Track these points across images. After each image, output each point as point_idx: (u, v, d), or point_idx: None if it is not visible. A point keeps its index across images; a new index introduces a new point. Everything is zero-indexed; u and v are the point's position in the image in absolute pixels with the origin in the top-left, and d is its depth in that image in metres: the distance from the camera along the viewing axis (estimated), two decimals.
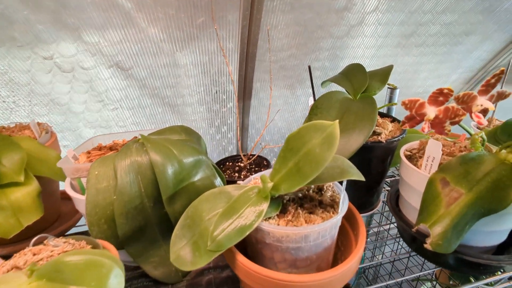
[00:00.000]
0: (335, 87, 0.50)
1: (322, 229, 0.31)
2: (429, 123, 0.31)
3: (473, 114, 0.30)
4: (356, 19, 0.58)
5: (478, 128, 0.83)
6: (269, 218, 0.34)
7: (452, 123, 0.31)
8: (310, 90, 0.64)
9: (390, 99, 0.79)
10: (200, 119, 0.71)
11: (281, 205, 0.35)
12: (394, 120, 0.61)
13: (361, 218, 0.39)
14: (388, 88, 0.78)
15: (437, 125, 0.31)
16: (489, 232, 0.44)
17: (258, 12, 0.48)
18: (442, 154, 0.52)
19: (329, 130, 0.27)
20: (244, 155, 0.59)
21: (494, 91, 0.29)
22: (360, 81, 0.57)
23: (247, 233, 0.30)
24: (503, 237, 0.45)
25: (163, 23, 0.49)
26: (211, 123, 0.73)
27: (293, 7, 0.51)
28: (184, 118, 0.70)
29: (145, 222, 0.42)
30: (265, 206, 0.31)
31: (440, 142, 0.46)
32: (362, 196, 0.60)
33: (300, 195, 0.37)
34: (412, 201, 0.51)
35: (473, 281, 0.49)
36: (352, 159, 0.54)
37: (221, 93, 0.65)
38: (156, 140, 0.44)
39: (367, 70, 0.62)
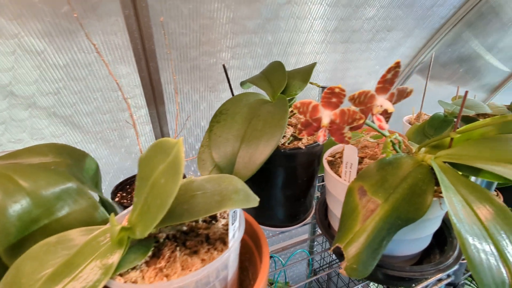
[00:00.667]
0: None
1: (199, 278, 0.24)
2: (325, 130, 0.25)
3: (374, 117, 0.24)
4: (270, 12, 0.52)
5: (409, 124, 0.85)
6: (133, 269, 0.25)
7: (352, 129, 0.26)
8: (239, 90, 0.56)
9: None
10: (106, 130, 0.60)
11: (153, 247, 0.27)
12: None
13: (264, 238, 0.33)
14: (320, 87, 0.75)
15: (336, 131, 0.25)
16: (412, 240, 0.40)
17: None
18: (365, 157, 0.49)
19: (174, 152, 0.19)
20: None
21: (394, 89, 0.24)
22: (279, 80, 0.52)
23: None
24: (426, 243, 0.43)
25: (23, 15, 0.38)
26: (122, 134, 0.62)
27: None
28: (84, 130, 0.58)
29: None
30: (116, 257, 0.22)
31: (354, 147, 0.42)
32: (290, 207, 0.54)
33: (185, 228, 0.29)
34: (337, 213, 0.46)
35: None
36: (271, 170, 0.48)
37: (127, 98, 0.55)
38: None
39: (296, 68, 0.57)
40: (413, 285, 0.47)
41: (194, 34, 0.49)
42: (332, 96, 0.23)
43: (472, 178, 0.43)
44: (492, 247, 0.28)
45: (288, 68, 0.49)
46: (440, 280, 0.50)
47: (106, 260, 0.22)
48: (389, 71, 0.23)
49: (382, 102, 0.24)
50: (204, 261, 0.25)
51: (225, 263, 0.26)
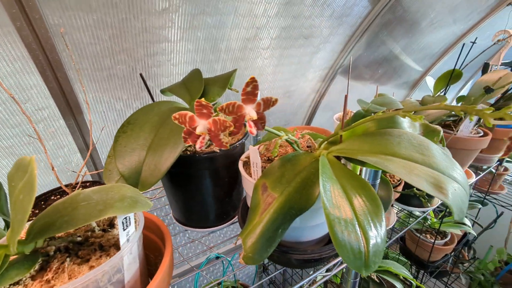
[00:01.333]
0: None
1: (84, 282, 0.25)
2: (203, 137, 0.28)
3: (247, 124, 0.28)
4: (183, 21, 0.55)
5: (339, 121, 0.93)
6: (16, 283, 0.25)
7: (231, 134, 0.29)
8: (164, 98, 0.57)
9: None
10: (18, 144, 0.56)
11: (43, 259, 0.27)
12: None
13: (168, 234, 0.35)
14: (238, 92, 0.79)
15: (214, 138, 0.28)
16: (313, 226, 0.46)
17: (32, 10, 0.38)
18: (278, 156, 0.54)
19: (29, 170, 0.21)
20: (67, 186, 0.48)
21: (259, 99, 0.28)
22: (196, 87, 0.54)
23: None
24: (327, 228, 0.49)
25: None
26: (38, 148, 0.59)
27: (91, 7, 0.43)
28: None
29: None
30: None
31: (255, 148, 0.46)
32: (217, 208, 0.57)
33: (79, 238, 0.30)
34: None
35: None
36: (193, 174, 0.51)
37: (38, 109, 0.52)
38: None
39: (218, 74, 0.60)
40: (321, 265, 0.53)
41: (105, 44, 0.49)
42: (202, 107, 0.26)
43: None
44: (357, 228, 0.34)
45: (215, 74, 0.51)
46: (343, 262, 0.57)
47: None
48: (247, 85, 0.26)
49: (249, 111, 0.28)
50: (92, 267, 0.26)
51: (117, 267, 0.28)
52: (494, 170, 1.36)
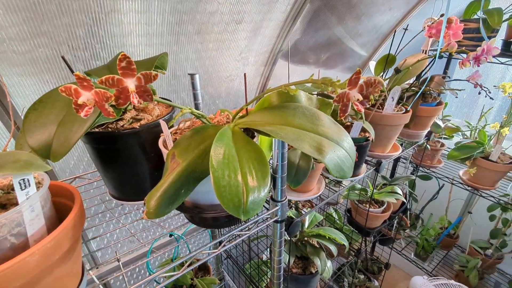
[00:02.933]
0: None
1: None
2: (90, 107, 0.32)
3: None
4: (109, 5, 0.57)
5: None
6: None
7: (118, 105, 0.34)
8: None
9: (193, 85, 0.84)
10: None
11: None
12: (169, 107, 0.64)
13: (76, 192, 0.39)
14: (189, 74, 0.83)
15: (101, 108, 0.33)
16: None
17: None
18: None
19: None
20: None
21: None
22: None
23: None
24: None
25: None
26: None
27: None
28: None
29: None
30: None
31: (164, 122, 0.51)
32: (148, 181, 0.61)
33: None
34: None
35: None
36: (120, 150, 0.55)
37: None
38: None
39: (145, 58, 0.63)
40: (238, 224, 0.59)
41: (19, 27, 0.51)
42: (82, 81, 0.31)
43: None
44: (239, 177, 0.40)
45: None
46: (267, 218, 0.65)
47: None
48: (120, 61, 0.31)
49: (129, 84, 0.33)
50: None
51: (16, 221, 0.32)
52: (427, 145, 1.51)
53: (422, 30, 1.34)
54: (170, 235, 1.04)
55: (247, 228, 0.60)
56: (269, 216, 0.63)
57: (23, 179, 0.33)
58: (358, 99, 0.34)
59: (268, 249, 1.45)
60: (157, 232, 1.24)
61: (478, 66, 0.69)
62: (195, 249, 1.38)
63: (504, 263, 1.78)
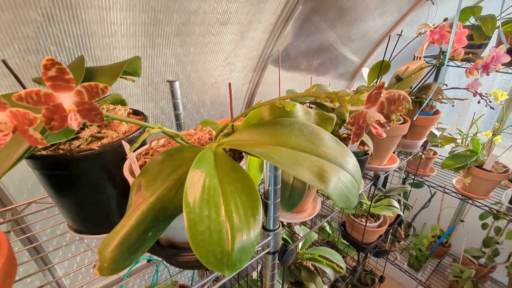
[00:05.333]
0: None
1: None
2: (9, 133, 0.22)
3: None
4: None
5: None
6: None
7: (51, 129, 0.24)
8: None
9: (172, 93, 0.75)
10: None
11: None
12: (141, 117, 0.55)
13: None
14: (167, 81, 0.73)
15: (24, 134, 0.23)
16: None
17: None
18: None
19: None
20: None
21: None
22: (75, 76, 0.48)
23: None
24: None
25: None
26: None
27: None
28: None
29: None
30: None
31: (127, 144, 0.42)
32: (114, 209, 0.51)
33: None
34: None
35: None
36: (77, 176, 0.45)
37: None
38: None
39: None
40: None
41: None
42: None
43: None
44: (222, 217, 0.31)
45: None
46: (257, 251, 0.56)
47: None
48: (46, 68, 0.21)
49: (64, 99, 0.23)
50: None
51: None
52: (422, 154, 1.47)
53: (417, 36, 1.30)
54: (148, 260, 0.93)
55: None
56: (259, 248, 0.54)
57: None
58: (377, 121, 0.26)
59: (259, 269, 1.35)
60: None
61: (488, 75, 0.64)
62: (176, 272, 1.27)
63: (496, 271, 1.76)
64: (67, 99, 0.24)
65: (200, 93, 0.86)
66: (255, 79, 0.99)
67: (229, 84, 0.41)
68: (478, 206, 1.49)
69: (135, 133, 0.48)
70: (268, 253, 0.56)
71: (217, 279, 0.54)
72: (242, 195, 0.35)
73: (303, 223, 1.20)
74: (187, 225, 0.29)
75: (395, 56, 1.11)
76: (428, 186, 1.73)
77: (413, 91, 1.05)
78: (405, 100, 0.26)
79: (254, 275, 1.35)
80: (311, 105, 0.85)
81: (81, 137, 0.44)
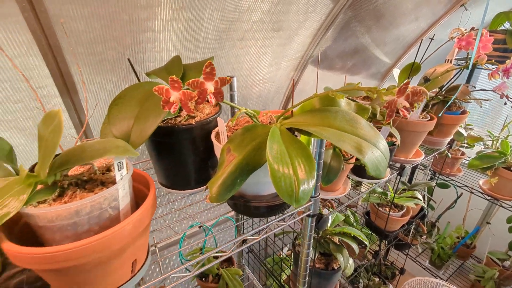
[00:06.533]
0: None
1: (91, 201, 0.36)
2: (176, 104, 0.39)
3: (208, 97, 0.39)
4: (165, 14, 0.64)
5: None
6: (43, 202, 0.36)
7: (196, 103, 0.40)
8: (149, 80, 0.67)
9: (230, 87, 0.91)
10: (20, 119, 0.65)
11: (60, 189, 0.38)
12: (217, 104, 0.71)
13: (151, 180, 0.46)
14: (228, 77, 0.90)
15: (185, 106, 0.39)
16: (269, 182, 0.58)
17: (38, 3, 0.47)
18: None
19: (57, 118, 0.31)
20: None
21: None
22: (175, 71, 0.65)
23: (4, 220, 0.31)
24: None
25: None
26: (37, 122, 0.68)
27: (86, 2, 0.52)
28: None
29: None
30: (26, 195, 0.33)
31: (221, 119, 0.58)
32: (194, 173, 0.68)
33: (86, 178, 0.41)
34: None
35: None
36: (174, 143, 0.61)
37: (38, 88, 0.61)
38: None
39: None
40: (276, 215, 0.65)
41: (97, 32, 0.58)
42: (174, 83, 0.37)
43: None
44: (291, 171, 0.45)
45: (195, 60, 0.62)
46: (300, 211, 0.70)
47: (18, 196, 0.33)
48: (206, 67, 0.37)
49: (208, 86, 0.39)
50: (97, 194, 0.37)
51: (114, 196, 0.39)
52: (449, 153, 1.53)
53: (448, 40, 1.37)
54: (200, 226, 1.11)
55: (282, 220, 0.65)
56: (302, 209, 0.68)
57: (120, 162, 0.40)
58: (404, 106, 0.39)
59: (288, 246, 1.50)
60: (183, 223, 1.31)
61: (508, 78, 0.73)
62: (221, 241, 1.45)
63: None
64: (210, 86, 0.39)
65: (249, 88, 1.02)
66: (295, 77, 1.13)
67: (293, 80, 0.55)
68: (506, 208, 1.52)
69: (215, 115, 0.64)
70: (308, 215, 0.71)
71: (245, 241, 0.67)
72: (302, 158, 0.49)
73: (332, 208, 1.33)
74: (270, 172, 0.44)
75: (426, 58, 1.20)
76: (454, 186, 1.77)
77: (442, 92, 1.14)
78: (424, 93, 0.38)
79: (283, 253, 1.50)
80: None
81: (181, 115, 0.61)
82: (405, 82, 0.37)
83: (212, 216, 1.29)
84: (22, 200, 0.33)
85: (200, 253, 1.10)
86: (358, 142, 0.50)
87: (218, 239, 1.41)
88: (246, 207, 0.59)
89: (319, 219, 0.76)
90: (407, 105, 0.38)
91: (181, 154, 0.64)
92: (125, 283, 0.44)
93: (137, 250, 0.44)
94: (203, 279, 1.07)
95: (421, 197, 1.25)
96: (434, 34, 1.27)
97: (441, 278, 1.95)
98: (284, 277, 1.24)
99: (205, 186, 0.71)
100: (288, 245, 1.48)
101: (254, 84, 1.02)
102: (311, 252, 0.79)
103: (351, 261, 0.95)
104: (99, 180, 0.40)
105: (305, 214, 0.69)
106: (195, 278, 1.07)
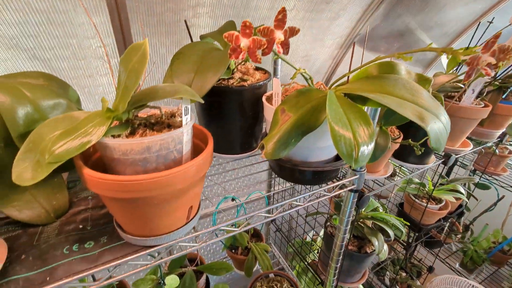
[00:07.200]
0: None
1: (161, 139, 0.37)
2: (244, 52, 0.39)
3: (275, 47, 0.39)
4: None
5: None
6: (118, 136, 0.38)
7: (263, 54, 0.40)
8: None
9: (275, 61, 0.90)
10: (82, 76, 0.69)
11: (131, 128, 0.40)
12: (266, 72, 0.70)
13: (209, 134, 0.47)
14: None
15: (252, 54, 0.39)
16: (321, 148, 0.57)
17: None
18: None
19: (142, 48, 0.32)
20: None
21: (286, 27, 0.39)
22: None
23: (87, 146, 0.33)
24: (332, 152, 0.59)
25: None
26: (96, 82, 0.72)
27: None
28: (61, 75, 0.67)
29: None
30: (105, 126, 0.35)
31: (278, 80, 0.57)
32: (241, 138, 0.69)
33: (153, 121, 0.42)
34: None
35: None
36: (224, 104, 0.62)
37: (100, 46, 0.64)
38: (3, 81, 0.43)
39: None
40: (325, 184, 0.64)
41: None
42: (246, 28, 0.37)
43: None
44: (350, 133, 0.44)
45: None
46: (344, 185, 0.68)
47: (101, 127, 0.35)
48: (279, 13, 0.37)
49: (278, 35, 0.38)
50: (165, 133, 0.39)
51: (180, 138, 0.40)
52: (496, 149, 1.42)
53: (510, 25, 1.25)
54: (233, 199, 1.13)
55: (323, 192, 0.64)
56: (347, 182, 0.66)
57: (187, 107, 0.41)
58: (488, 63, 0.36)
59: (314, 230, 1.49)
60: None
61: None
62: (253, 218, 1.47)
63: None
64: (279, 34, 0.39)
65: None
66: (338, 56, 1.10)
67: (353, 42, 0.53)
68: None
69: (265, 81, 0.64)
70: (351, 190, 0.69)
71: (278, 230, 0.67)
72: (361, 121, 0.48)
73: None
74: (331, 132, 0.43)
75: (481, 44, 1.11)
76: (495, 187, 1.65)
77: (498, 77, 1.05)
78: None
79: (308, 238, 1.49)
80: None
81: (234, 78, 0.61)
82: (494, 34, 0.34)
83: (243, 194, 1.31)
84: (102, 130, 0.35)
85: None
86: (419, 111, 0.48)
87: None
88: (293, 171, 0.58)
89: (361, 196, 0.75)
90: (493, 61, 0.35)
91: (230, 117, 0.64)
92: (180, 227, 0.46)
93: (194, 197, 0.45)
94: (233, 250, 1.10)
95: (463, 191, 1.18)
96: (494, 18, 1.17)
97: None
98: (308, 260, 1.23)
99: (248, 153, 0.72)
100: (314, 229, 1.47)
101: (296, 61, 1.00)
102: (348, 230, 0.78)
103: (385, 246, 0.93)
104: (165, 123, 0.41)
105: (347, 189, 0.68)
106: (225, 249, 1.10)
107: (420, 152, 0.74)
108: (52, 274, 0.39)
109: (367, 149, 0.44)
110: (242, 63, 0.68)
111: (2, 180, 0.42)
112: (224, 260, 1.10)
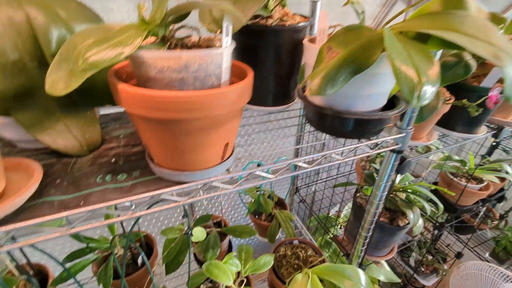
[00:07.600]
0: None
1: (200, 57, 0.33)
2: None
3: None
4: None
5: None
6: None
7: None
8: None
9: (312, 12, 0.83)
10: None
11: (167, 47, 0.36)
12: (305, 17, 0.64)
13: (249, 68, 0.43)
14: (311, 1, 0.82)
15: None
16: (367, 96, 0.51)
17: None
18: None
19: None
20: None
21: None
22: None
23: (122, 57, 0.30)
24: (381, 101, 0.53)
25: None
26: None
27: None
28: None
29: (31, 85, 0.40)
30: (140, 38, 0.31)
31: (326, 12, 0.51)
32: (275, 88, 0.64)
33: (190, 44, 0.38)
34: None
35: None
36: (260, 46, 0.57)
37: None
38: None
39: None
40: (366, 139, 0.58)
41: None
42: None
43: None
44: (413, 69, 0.38)
45: None
46: (388, 145, 0.62)
47: (134, 39, 0.32)
48: None
49: None
50: (205, 50, 0.35)
51: (219, 62, 0.36)
52: None
53: None
54: (259, 165, 1.10)
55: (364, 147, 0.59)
56: (392, 140, 0.61)
57: (227, 27, 0.36)
58: None
59: (338, 206, 1.44)
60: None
61: None
62: (279, 189, 1.45)
63: None
64: None
65: (329, 20, 0.92)
66: (380, 16, 1.00)
67: None
68: None
69: (306, 23, 0.58)
70: (393, 151, 0.63)
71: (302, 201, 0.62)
72: (423, 58, 0.41)
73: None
74: (391, 64, 0.37)
75: None
76: None
77: None
78: None
79: (332, 212, 1.46)
80: None
81: (272, 17, 0.56)
82: None
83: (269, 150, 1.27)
84: (138, 42, 0.31)
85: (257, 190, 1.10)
86: (493, 50, 0.40)
87: (275, 188, 1.41)
88: (334, 119, 0.53)
89: (402, 161, 0.68)
90: None
91: (265, 62, 0.59)
92: (215, 165, 0.43)
93: (230, 132, 0.42)
94: (257, 216, 1.08)
95: (510, 171, 1.08)
96: None
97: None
98: (330, 235, 1.20)
99: (282, 106, 0.67)
100: (338, 204, 1.43)
101: (335, 17, 0.92)
102: (384, 197, 0.73)
103: (421, 220, 0.87)
104: (204, 46, 0.38)
105: (389, 148, 0.62)
106: (249, 214, 1.09)
107: (476, 113, 0.66)
108: (86, 200, 0.38)
109: (431, 86, 0.38)
110: (281, 7, 0.62)
111: (37, 104, 0.41)
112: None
